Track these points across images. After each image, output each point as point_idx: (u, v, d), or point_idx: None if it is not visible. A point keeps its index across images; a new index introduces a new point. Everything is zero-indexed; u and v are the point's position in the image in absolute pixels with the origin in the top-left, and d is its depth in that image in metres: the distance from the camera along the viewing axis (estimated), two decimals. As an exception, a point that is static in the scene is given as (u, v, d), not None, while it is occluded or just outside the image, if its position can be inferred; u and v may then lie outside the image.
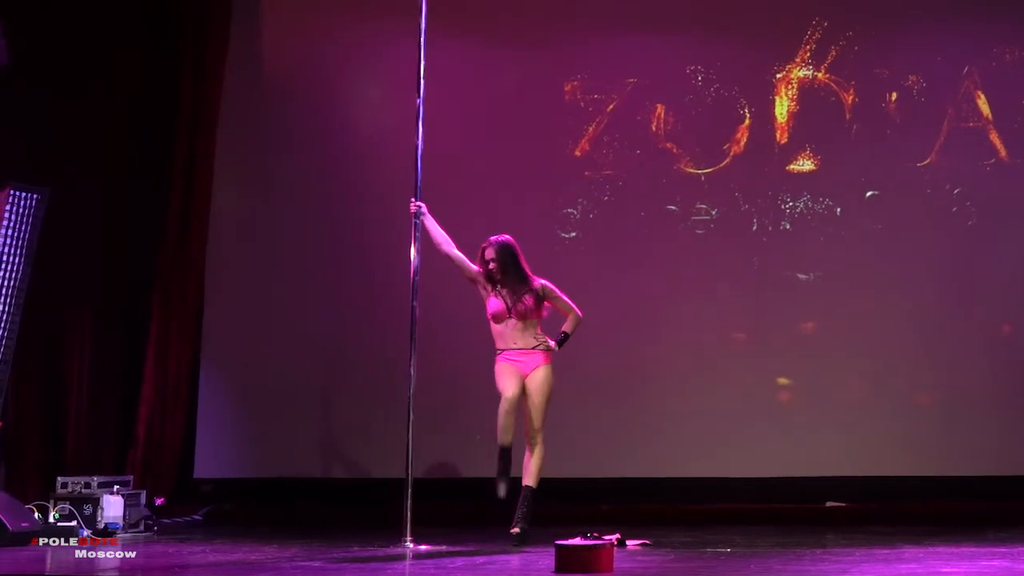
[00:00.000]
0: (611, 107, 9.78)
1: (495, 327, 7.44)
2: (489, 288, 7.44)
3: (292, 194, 9.86)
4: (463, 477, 9.34)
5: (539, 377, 7.36)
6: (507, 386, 7.30)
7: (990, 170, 9.49)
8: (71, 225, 9.05)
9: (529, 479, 7.32)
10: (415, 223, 7.51)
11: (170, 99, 9.65)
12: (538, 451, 7.36)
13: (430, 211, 7.56)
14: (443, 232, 7.52)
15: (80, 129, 9.27)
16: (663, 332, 9.51)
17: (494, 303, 7.41)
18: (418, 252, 7.53)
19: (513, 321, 7.37)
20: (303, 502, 9.50)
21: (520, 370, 7.37)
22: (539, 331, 7.43)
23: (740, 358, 9.44)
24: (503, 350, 7.42)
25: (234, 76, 9.83)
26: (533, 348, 7.38)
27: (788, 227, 9.58)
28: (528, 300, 7.38)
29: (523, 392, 7.35)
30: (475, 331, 8.71)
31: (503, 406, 7.25)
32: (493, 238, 7.46)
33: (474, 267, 7.46)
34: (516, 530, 7.20)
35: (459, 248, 7.51)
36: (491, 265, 7.39)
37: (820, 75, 9.65)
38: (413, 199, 7.55)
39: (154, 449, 9.31)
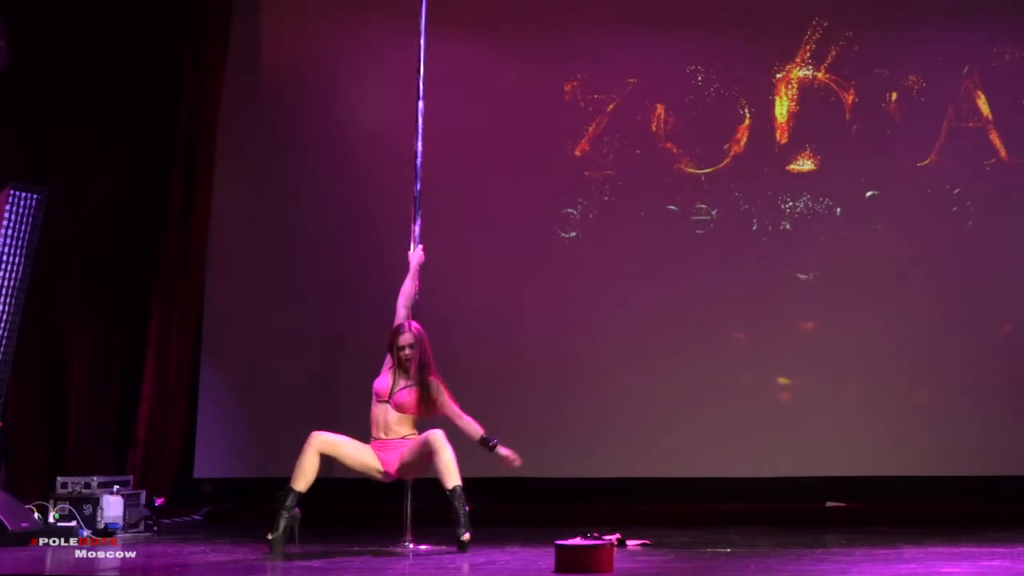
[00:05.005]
0: (611, 107, 9.78)
1: (373, 409, 7.06)
2: (390, 365, 7.08)
3: (292, 193, 9.86)
4: (463, 477, 9.32)
5: (416, 445, 6.87)
6: (350, 452, 6.92)
7: (990, 170, 9.49)
8: (71, 224, 9.05)
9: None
10: (414, 242, 7.40)
11: (170, 98, 9.65)
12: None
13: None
14: (411, 290, 7.28)
15: (80, 129, 9.27)
16: (663, 332, 9.50)
17: (384, 380, 7.05)
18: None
19: (391, 408, 7.00)
20: (303, 502, 9.46)
21: (384, 463, 6.95)
22: (414, 427, 7.01)
23: (740, 358, 9.44)
24: (374, 438, 7.01)
25: (235, 75, 9.82)
26: (403, 438, 6.97)
27: (788, 227, 9.58)
28: (412, 394, 6.97)
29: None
30: (474, 330, 8.72)
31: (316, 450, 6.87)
32: (411, 324, 7.07)
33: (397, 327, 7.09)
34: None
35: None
36: (406, 352, 6.99)
37: (820, 75, 9.65)
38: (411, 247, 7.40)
39: (154, 449, 9.30)
